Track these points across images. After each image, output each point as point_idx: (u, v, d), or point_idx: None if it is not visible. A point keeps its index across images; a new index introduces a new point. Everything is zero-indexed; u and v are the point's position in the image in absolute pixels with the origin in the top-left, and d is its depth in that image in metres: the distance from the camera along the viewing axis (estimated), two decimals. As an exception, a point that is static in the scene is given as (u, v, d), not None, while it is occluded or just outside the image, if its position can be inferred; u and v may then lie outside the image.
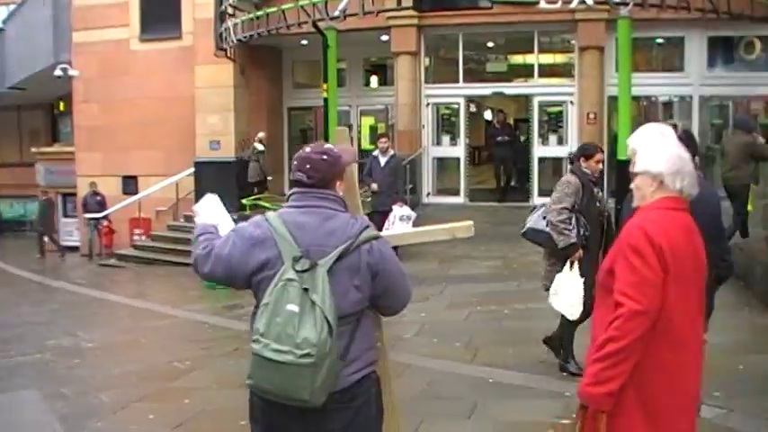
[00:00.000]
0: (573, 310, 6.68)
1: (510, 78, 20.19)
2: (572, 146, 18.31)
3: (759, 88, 18.16)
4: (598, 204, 7.12)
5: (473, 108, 21.15)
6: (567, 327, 6.92)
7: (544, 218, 7.02)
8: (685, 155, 3.21)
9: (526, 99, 19.78)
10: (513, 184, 19.45)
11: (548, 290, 6.95)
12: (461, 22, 17.44)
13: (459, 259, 11.49)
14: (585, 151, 7.37)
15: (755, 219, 10.56)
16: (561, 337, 7.05)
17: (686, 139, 10.79)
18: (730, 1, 14.61)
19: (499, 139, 16.43)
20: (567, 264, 6.77)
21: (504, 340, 7.77)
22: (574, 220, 6.82)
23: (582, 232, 6.82)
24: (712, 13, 14.50)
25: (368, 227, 3.18)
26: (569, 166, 8.04)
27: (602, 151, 7.52)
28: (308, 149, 3.26)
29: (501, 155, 16.46)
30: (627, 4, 13.33)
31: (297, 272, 2.96)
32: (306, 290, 2.92)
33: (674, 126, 12.03)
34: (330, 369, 2.94)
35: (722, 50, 18.62)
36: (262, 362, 2.91)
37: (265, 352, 2.89)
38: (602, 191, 7.83)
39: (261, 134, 18.59)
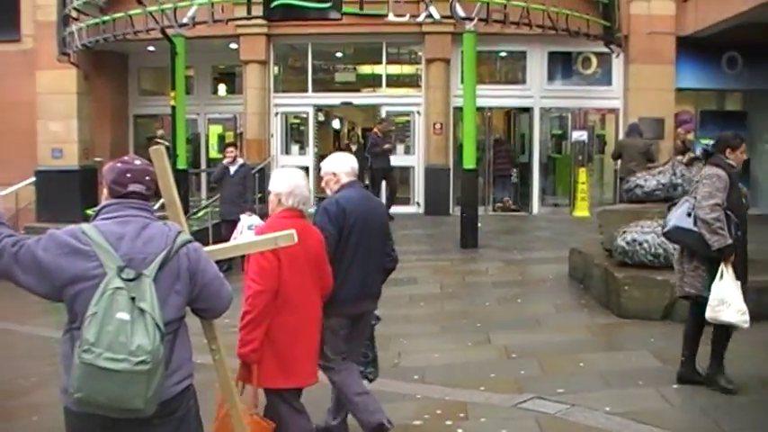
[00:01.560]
0: (745, 317, 6.13)
1: (358, 88, 20.41)
2: (419, 156, 18.75)
3: (595, 101, 19.19)
4: (744, 201, 6.65)
5: (322, 117, 21.25)
6: (724, 338, 6.46)
7: (689, 214, 6.29)
8: (302, 182, 4.71)
9: (374, 109, 20.05)
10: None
11: (687, 297, 6.48)
12: (311, 32, 17.53)
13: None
14: (731, 141, 6.53)
15: (594, 224, 11.08)
16: (719, 350, 6.50)
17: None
18: (569, 19, 15.31)
19: (386, 147, 16.41)
20: (723, 268, 6.09)
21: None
22: (724, 219, 6.15)
23: (734, 231, 6.16)
24: (552, 30, 15.15)
25: (180, 232, 3.19)
26: (700, 159, 6.99)
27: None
28: (137, 162, 3.29)
29: (383, 165, 16.47)
30: (472, 19, 13.77)
31: (123, 280, 2.92)
32: (133, 298, 2.89)
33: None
34: (161, 378, 2.92)
35: (561, 65, 19.49)
36: (94, 372, 2.82)
37: (99, 361, 2.80)
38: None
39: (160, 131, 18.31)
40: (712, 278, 6.13)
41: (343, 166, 5.26)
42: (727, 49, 19.07)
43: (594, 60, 19.13)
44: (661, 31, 18.19)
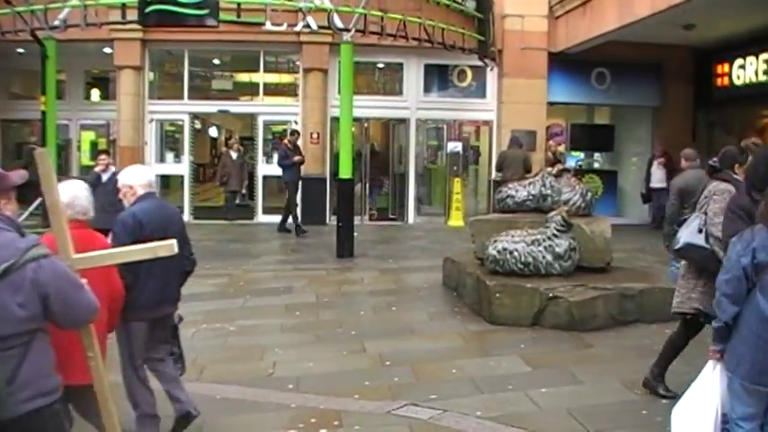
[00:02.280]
0: None
1: (236, 96, 20.25)
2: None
3: (470, 113, 19.59)
4: None
5: (198, 125, 20.96)
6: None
7: (699, 231, 6.11)
8: (82, 193, 4.62)
9: (251, 118, 19.89)
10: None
11: (696, 314, 6.20)
12: (187, 38, 17.30)
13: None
14: (740, 157, 6.36)
15: (468, 234, 11.26)
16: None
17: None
18: (444, 33, 15.59)
19: (296, 159, 16.19)
20: None
21: (231, 357, 7.76)
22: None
23: None
24: (428, 43, 15.40)
25: (37, 245, 3.08)
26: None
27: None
28: None
29: (294, 178, 16.24)
30: (349, 30, 13.83)
31: None
32: None
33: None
34: None
35: (438, 77, 19.83)
36: None
37: None
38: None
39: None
40: None
41: (139, 178, 5.40)
42: (597, 66, 19.85)
43: (470, 73, 19.54)
44: (534, 46, 18.76)
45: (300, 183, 16.71)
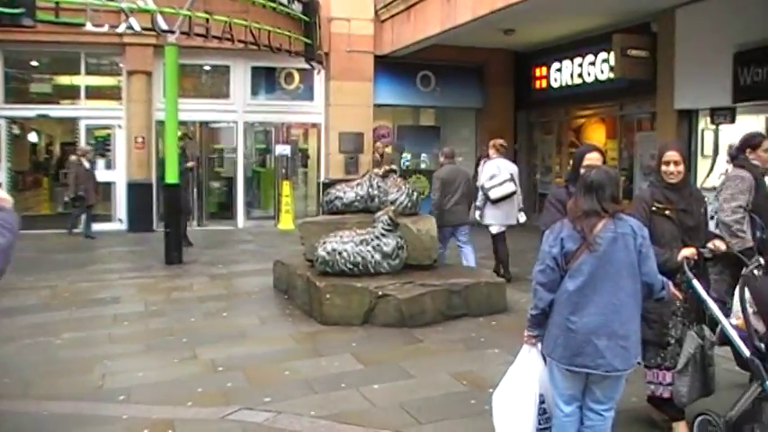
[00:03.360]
0: None
1: (56, 100, 19.39)
2: (121, 171, 18.21)
3: (298, 116, 19.64)
4: None
5: (17, 130, 20.01)
6: None
7: (712, 217, 6.03)
8: None
9: (73, 122, 19.17)
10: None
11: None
12: (3, 38, 16.48)
13: (3, 291, 10.81)
14: (751, 141, 6.35)
15: (298, 236, 11.29)
16: None
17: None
18: (271, 35, 15.55)
19: (190, 164, 15.49)
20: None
21: (59, 371, 7.46)
22: (748, 221, 6.00)
23: (758, 234, 5.99)
24: (254, 46, 15.32)
25: None
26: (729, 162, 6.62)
27: None
28: None
29: (182, 184, 15.55)
30: (173, 32, 13.57)
31: None
32: None
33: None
34: None
35: (265, 80, 19.76)
36: None
37: None
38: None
39: None
40: (736, 283, 5.63)
41: None
42: (422, 68, 20.36)
43: (297, 76, 19.60)
44: (360, 49, 19.03)
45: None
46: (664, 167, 5.27)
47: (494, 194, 11.45)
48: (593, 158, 5.36)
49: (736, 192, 6.05)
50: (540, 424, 4.57)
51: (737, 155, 6.38)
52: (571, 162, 5.61)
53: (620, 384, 4.45)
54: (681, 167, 5.23)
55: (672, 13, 15.40)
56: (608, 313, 4.24)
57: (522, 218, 11.91)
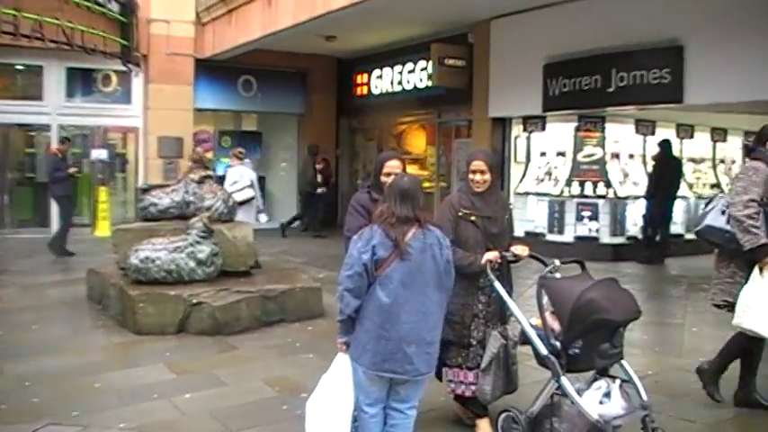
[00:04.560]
0: None
1: None
2: None
3: (116, 119, 19.15)
4: None
5: None
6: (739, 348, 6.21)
7: (723, 212, 5.82)
8: None
9: None
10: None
11: (722, 306, 5.99)
12: None
13: None
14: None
15: (108, 244, 11.02)
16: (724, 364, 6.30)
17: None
18: (84, 35, 15.03)
19: (73, 171, 14.47)
20: (756, 270, 5.65)
21: None
22: (762, 216, 5.66)
23: None
24: (67, 46, 14.77)
25: None
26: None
27: None
28: None
29: (67, 192, 14.45)
30: (-18, 30, 12.92)
31: None
32: None
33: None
34: None
35: (82, 82, 19.11)
36: None
37: None
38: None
39: None
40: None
41: None
42: (244, 73, 20.30)
43: (115, 78, 19.08)
44: (180, 52, 18.72)
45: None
46: (470, 176, 5.50)
47: (236, 198, 11.80)
48: (392, 166, 5.47)
49: (749, 184, 5.71)
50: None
51: (755, 147, 6.06)
52: (374, 168, 5.74)
53: (424, 385, 4.63)
54: (487, 176, 5.47)
55: (487, 25, 16.05)
56: (417, 321, 4.37)
57: (263, 219, 13.67)
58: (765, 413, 6.20)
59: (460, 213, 5.44)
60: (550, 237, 15.27)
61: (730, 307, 5.87)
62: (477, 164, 5.48)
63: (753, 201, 5.64)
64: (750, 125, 16.32)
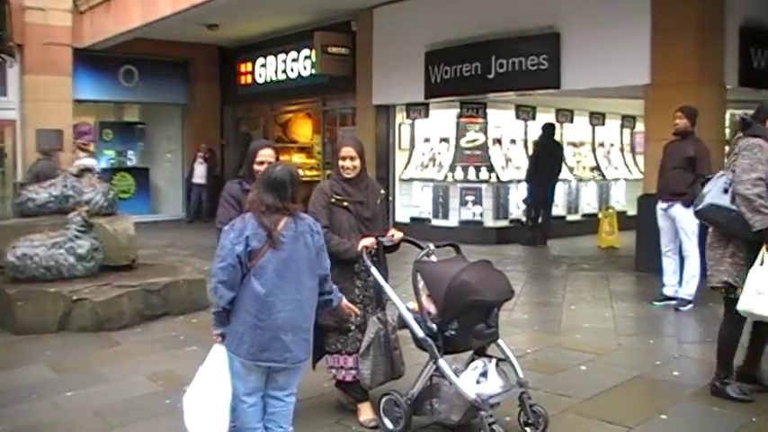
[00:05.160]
0: None
1: None
2: None
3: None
4: None
5: None
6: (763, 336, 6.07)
7: (725, 191, 5.59)
8: None
9: None
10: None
11: (727, 289, 5.75)
12: None
13: None
14: None
15: None
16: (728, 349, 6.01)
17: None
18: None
19: None
20: (764, 252, 5.42)
21: None
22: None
23: None
24: None
25: None
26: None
27: None
28: None
29: None
30: None
31: None
32: None
33: None
34: None
35: None
36: None
37: None
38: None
39: None
40: (751, 266, 5.54)
41: None
42: (125, 63, 19.90)
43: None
44: (57, 42, 18.14)
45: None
46: (341, 162, 5.55)
47: None
48: (266, 155, 5.48)
49: (754, 161, 5.52)
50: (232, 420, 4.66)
51: (752, 123, 5.89)
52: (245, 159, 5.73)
53: (302, 371, 4.66)
54: (357, 162, 5.54)
55: (370, 13, 16.18)
56: (293, 309, 4.39)
57: None
58: (639, 384, 6.50)
59: (333, 200, 5.49)
60: (436, 222, 15.54)
61: (730, 289, 5.76)
62: (347, 150, 5.55)
63: (760, 179, 5.47)
64: (627, 109, 16.98)
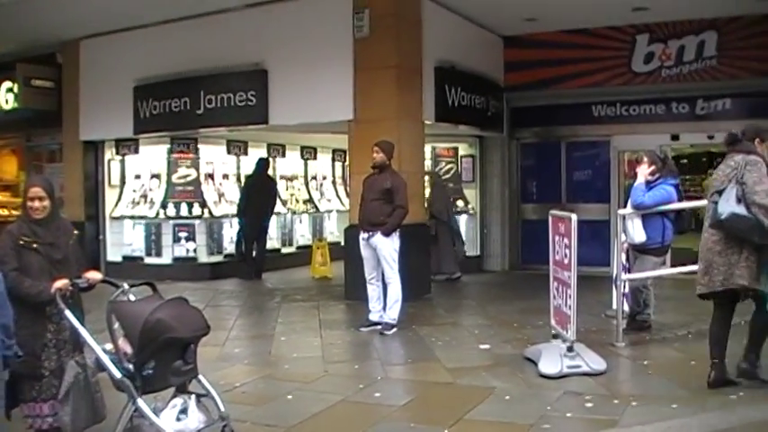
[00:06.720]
0: None
1: None
2: None
3: None
4: None
5: None
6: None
7: (739, 201, 6.08)
8: None
9: None
10: None
11: (746, 290, 6.29)
12: None
13: None
14: (763, 133, 6.46)
15: None
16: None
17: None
18: None
19: None
20: None
21: None
22: None
23: None
24: None
25: None
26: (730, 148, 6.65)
27: None
28: None
29: None
30: None
31: None
32: None
33: None
34: None
35: None
36: None
37: None
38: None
39: None
40: (760, 268, 6.22)
41: None
42: None
43: None
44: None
45: None
46: (29, 203, 5.41)
47: None
48: (35, 192, 5.42)
49: (761, 175, 6.19)
50: None
51: (741, 139, 6.57)
52: None
53: None
54: (46, 203, 5.42)
55: (77, 45, 15.69)
56: None
57: None
58: (342, 408, 6.73)
59: (21, 242, 5.32)
60: (149, 260, 15.22)
61: (750, 292, 6.36)
62: (35, 191, 5.44)
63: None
64: (338, 143, 17.60)
